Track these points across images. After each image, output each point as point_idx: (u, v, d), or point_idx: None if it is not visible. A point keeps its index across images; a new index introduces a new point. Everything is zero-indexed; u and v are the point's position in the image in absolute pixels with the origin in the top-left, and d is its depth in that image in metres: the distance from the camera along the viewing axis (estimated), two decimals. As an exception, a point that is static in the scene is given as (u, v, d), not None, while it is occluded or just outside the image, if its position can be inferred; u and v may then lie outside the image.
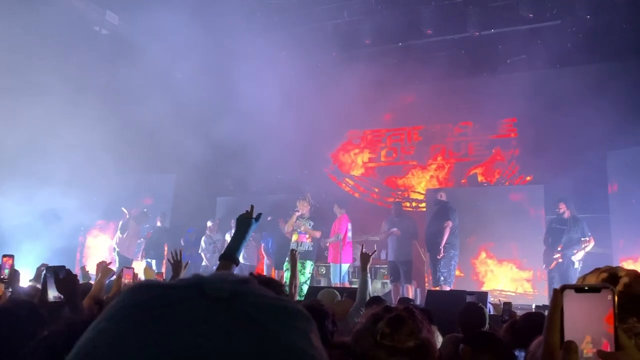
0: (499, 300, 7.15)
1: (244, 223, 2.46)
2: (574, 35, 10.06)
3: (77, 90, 9.72)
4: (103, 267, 4.03)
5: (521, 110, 10.67)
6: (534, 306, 7.13)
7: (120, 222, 11.18)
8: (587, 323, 0.70)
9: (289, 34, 10.55)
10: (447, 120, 12.01)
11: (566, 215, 8.45)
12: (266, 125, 10.43)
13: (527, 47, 10.55)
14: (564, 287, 0.72)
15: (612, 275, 1.08)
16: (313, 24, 10.87)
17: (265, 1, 10.64)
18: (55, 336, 0.95)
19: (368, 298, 4.30)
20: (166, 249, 11.17)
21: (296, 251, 5.09)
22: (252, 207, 2.54)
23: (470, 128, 11.94)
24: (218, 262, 2.41)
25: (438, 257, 8.90)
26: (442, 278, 8.86)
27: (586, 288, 0.71)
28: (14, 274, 4.04)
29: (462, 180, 11.77)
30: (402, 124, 12.51)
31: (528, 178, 11.06)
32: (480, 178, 11.66)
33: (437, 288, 8.68)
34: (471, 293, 5.78)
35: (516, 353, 2.39)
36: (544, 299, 8.57)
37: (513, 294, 9.52)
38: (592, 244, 8.29)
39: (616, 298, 0.70)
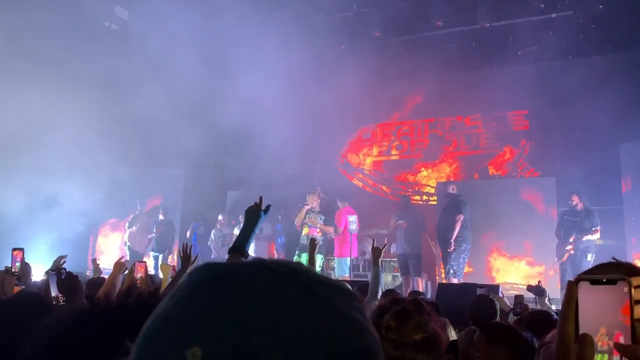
0: (502, 293, 7.10)
1: (253, 215, 2.41)
2: (585, 25, 9.93)
3: (84, 84, 9.76)
4: (117, 262, 4.05)
5: (532, 102, 10.57)
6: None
7: (132, 216, 11.27)
8: (602, 315, 0.68)
9: (297, 26, 10.51)
10: (457, 113, 11.91)
11: (579, 207, 8.40)
12: (275, 120, 10.41)
13: (538, 38, 10.43)
14: (579, 279, 0.70)
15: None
16: (322, 16, 10.81)
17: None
18: (46, 331, 0.94)
19: (380, 292, 4.26)
20: (175, 241, 11.23)
21: (316, 240, 5.01)
22: (260, 198, 2.50)
23: (481, 120, 11.83)
24: (227, 256, 2.38)
25: (449, 251, 8.87)
26: (451, 271, 8.85)
27: (602, 280, 0.70)
28: (25, 267, 4.06)
29: (475, 175, 11.68)
30: (412, 117, 12.42)
31: (539, 171, 10.96)
32: (491, 170, 11.57)
33: (445, 281, 8.67)
34: (482, 286, 5.74)
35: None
36: (556, 293, 8.50)
37: (524, 287, 9.44)
38: (597, 234, 8.25)
39: (633, 290, 0.68)
